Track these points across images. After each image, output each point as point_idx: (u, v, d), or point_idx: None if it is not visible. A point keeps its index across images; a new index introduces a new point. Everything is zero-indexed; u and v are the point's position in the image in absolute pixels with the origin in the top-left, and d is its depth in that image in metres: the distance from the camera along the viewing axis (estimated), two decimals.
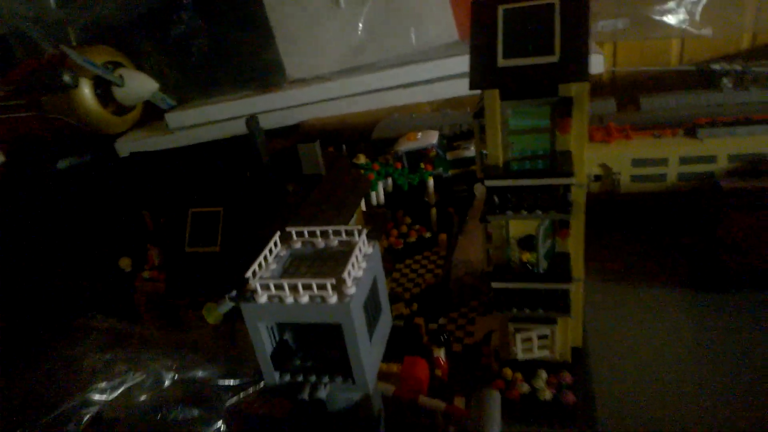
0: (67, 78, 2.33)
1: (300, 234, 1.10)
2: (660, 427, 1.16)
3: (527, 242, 1.11)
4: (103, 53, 2.46)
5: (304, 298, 0.95)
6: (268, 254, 1.05)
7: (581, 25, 0.95)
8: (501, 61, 0.99)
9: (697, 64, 2.48)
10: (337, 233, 1.08)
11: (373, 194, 2.01)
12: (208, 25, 2.60)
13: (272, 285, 0.96)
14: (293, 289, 0.94)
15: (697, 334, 1.39)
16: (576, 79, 0.95)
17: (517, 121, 1.07)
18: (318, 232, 1.09)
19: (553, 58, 0.95)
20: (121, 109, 2.56)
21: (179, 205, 1.59)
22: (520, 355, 1.25)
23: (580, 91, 0.98)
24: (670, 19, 2.44)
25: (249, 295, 0.96)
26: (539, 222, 1.09)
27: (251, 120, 1.64)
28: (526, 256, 1.12)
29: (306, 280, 0.94)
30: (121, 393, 1.09)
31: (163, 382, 1.12)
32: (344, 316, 0.94)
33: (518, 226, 1.15)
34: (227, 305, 1.11)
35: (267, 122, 2.55)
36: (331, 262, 1.05)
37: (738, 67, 2.33)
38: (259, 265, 1.02)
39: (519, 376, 1.27)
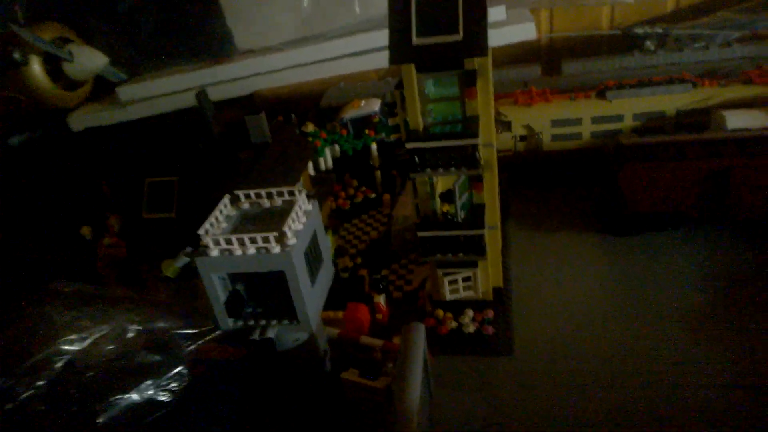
0: (17, 56, 2.34)
1: (247, 196, 1.24)
2: (567, 351, 1.36)
3: (447, 196, 1.28)
4: (52, 29, 2.46)
5: (251, 250, 1.10)
6: (218, 214, 1.18)
7: (480, 9, 1.10)
8: (415, 40, 1.13)
9: (622, 28, 2.65)
10: (280, 194, 1.22)
11: (321, 159, 2.15)
12: None
13: (222, 240, 1.10)
14: (241, 242, 1.09)
15: (602, 272, 1.59)
16: (476, 55, 1.10)
17: (434, 91, 1.22)
18: (263, 194, 1.23)
19: (458, 37, 1.10)
20: (72, 84, 2.58)
21: (136, 175, 1.71)
22: (449, 296, 1.43)
23: (482, 63, 1.13)
24: None
25: (202, 249, 1.10)
26: (456, 178, 1.25)
27: (201, 94, 1.75)
28: (446, 208, 1.29)
29: (251, 234, 1.08)
30: (89, 344, 1.22)
31: (127, 333, 1.26)
32: (286, 263, 1.08)
33: (441, 182, 1.32)
34: (183, 260, 1.24)
35: (220, 93, 2.58)
36: (276, 219, 1.19)
37: (659, 30, 2.51)
38: (211, 224, 1.15)
39: (449, 315, 1.45)
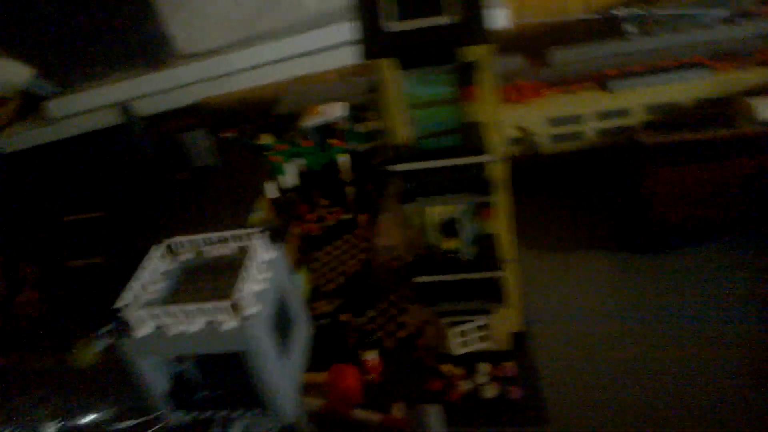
0: None
1: (185, 244, 0.95)
2: (613, 412, 1.08)
3: (449, 227, 0.99)
4: None
5: (194, 327, 0.81)
6: (147, 274, 0.89)
7: None
8: (392, 24, 0.84)
9: (599, 12, 2.45)
10: (234, 238, 0.94)
11: (284, 177, 1.85)
12: None
13: (150, 315, 0.80)
14: (178, 316, 0.80)
15: (637, 299, 1.31)
16: (474, 42, 0.82)
17: (420, 93, 0.93)
18: (206, 240, 0.94)
19: (446, 19, 0.81)
20: None
21: (56, 212, 1.38)
22: (457, 351, 1.14)
23: (483, 54, 0.85)
24: None
25: (125, 328, 0.80)
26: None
27: (127, 109, 1.43)
28: (449, 244, 1.00)
29: (190, 306, 0.79)
30: None
31: None
32: (246, 341, 0.80)
33: (437, 209, 1.03)
34: (102, 342, 0.94)
35: (160, 104, 2.38)
36: (229, 272, 0.91)
37: (639, 12, 2.31)
38: (142, 286, 0.86)
39: (459, 372, 1.16)
